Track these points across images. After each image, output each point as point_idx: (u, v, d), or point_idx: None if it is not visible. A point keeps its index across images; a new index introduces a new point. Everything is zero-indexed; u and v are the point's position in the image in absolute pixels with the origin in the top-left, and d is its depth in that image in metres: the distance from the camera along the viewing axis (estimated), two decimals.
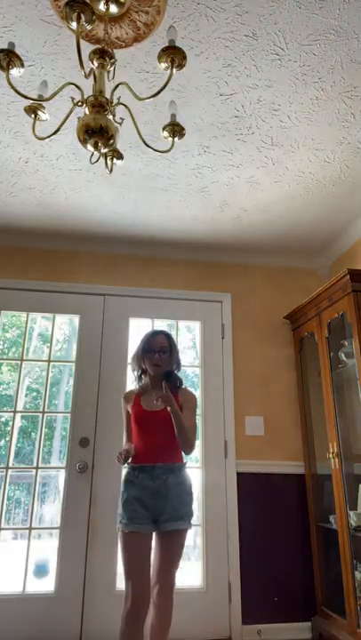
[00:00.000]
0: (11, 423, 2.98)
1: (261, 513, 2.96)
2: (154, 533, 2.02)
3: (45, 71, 1.90)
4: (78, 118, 1.47)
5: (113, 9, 1.54)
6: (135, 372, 2.29)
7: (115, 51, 1.73)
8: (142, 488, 2.00)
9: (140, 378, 2.26)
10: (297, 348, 3.32)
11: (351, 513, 2.48)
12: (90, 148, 1.45)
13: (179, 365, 2.27)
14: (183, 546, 2.05)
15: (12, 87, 1.39)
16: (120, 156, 1.74)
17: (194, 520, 2.95)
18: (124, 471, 2.12)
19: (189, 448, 2.11)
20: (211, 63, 1.86)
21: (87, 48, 1.71)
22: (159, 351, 2.18)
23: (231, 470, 3.01)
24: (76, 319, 3.25)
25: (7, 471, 2.88)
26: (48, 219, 3.05)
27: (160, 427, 2.10)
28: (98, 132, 1.41)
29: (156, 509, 1.99)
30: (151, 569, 2.01)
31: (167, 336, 2.26)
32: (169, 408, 2.05)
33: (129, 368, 2.98)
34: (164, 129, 1.57)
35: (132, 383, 2.47)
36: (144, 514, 1.97)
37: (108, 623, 2.63)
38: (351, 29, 1.72)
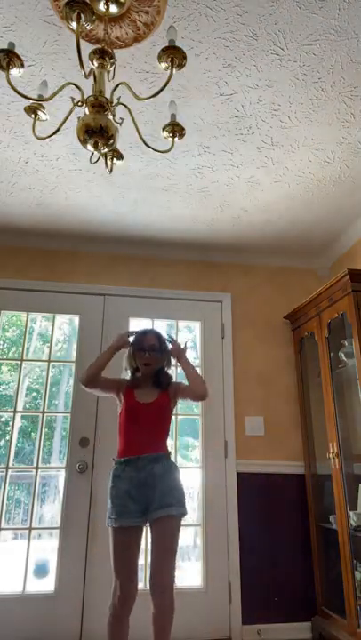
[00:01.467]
0: (11, 423, 2.98)
1: (261, 513, 2.96)
2: (146, 527, 2.05)
3: (45, 71, 1.90)
4: (78, 118, 1.47)
5: (113, 9, 1.54)
6: (128, 370, 2.33)
7: (115, 51, 1.73)
8: (129, 480, 2.02)
9: (133, 375, 2.29)
10: (297, 347, 3.32)
11: (351, 513, 2.48)
12: (90, 147, 1.45)
13: (169, 363, 2.32)
14: (176, 535, 2.01)
15: (12, 87, 1.39)
16: (120, 156, 1.74)
17: (193, 520, 2.98)
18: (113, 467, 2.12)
19: (204, 388, 2.19)
20: (211, 63, 1.86)
21: (87, 48, 1.71)
22: (149, 350, 2.22)
23: (231, 470, 3.01)
24: (76, 319, 3.25)
25: (7, 471, 2.88)
26: (48, 219, 3.05)
27: (150, 418, 2.16)
28: (98, 132, 1.41)
29: (145, 500, 2.01)
30: (149, 565, 2.03)
31: (157, 335, 2.31)
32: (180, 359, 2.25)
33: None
34: (164, 129, 1.57)
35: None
36: (133, 507, 1.98)
37: None
38: (351, 29, 1.72)
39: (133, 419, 2.15)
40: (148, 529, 2.05)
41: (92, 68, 1.53)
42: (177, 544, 2.02)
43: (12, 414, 3.00)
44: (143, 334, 2.29)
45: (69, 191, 2.74)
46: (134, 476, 2.02)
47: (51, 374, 3.13)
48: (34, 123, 1.59)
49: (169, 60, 1.37)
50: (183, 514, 2.03)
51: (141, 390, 2.22)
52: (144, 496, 2.00)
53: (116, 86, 1.54)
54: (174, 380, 2.37)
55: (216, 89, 1.98)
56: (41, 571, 2.97)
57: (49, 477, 3.30)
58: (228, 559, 2.86)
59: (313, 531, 2.90)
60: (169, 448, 2.20)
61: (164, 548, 1.98)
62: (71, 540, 2.75)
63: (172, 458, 2.21)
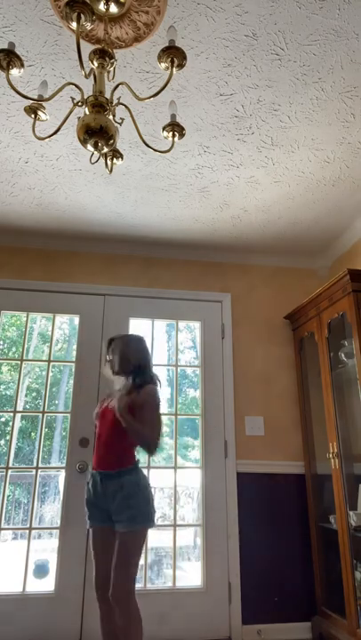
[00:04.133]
0: (11, 423, 2.98)
1: (261, 513, 2.96)
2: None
3: (45, 71, 1.90)
4: (78, 118, 1.47)
5: (113, 9, 1.54)
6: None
7: (115, 51, 1.74)
8: None
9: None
10: (297, 348, 3.32)
11: (351, 513, 2.48)
12: (90, 148, 1.45)
13: None
14: (128, 549, 1.96)
15: (12, 87, 1.39)
16: (120, 156, 1.74)
17: (193, 520, 2.98)
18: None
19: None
20: (211, 63, 1.86)
21: (87, 48, 1.71)
22: None
23: (231, 470, 3.01)
24: (76, 319, 3.25)
25: (7, 471, 2.88)
26: (48, 219, 3.05)
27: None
28: (98, 132, 1.41)
29: None
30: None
31: None
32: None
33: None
34: (164, 129, 1.57)
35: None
36: None
37: None
38: (351, 29, 1.71)
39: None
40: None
41: (92, 69, 1.53)
42: (125, 558, 1.98)
43: (11, 414, 3.00)
44: None
45: (69, 191, 2.74)
46: None
47: (51, 374, 3.13)
48: (34, 123, 1.59)
49: (169, 60, 1.37)
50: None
51: None
52: None
53: (116, 86, 1.54)
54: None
55: (216, 89, 1.98)
56: (41, 571, 2.97)
57: (49, 477, 3.30)
58: (228, 559, 2.86)
59: (313, 531, 2.90)
60: None
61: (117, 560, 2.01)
62: (71, 540, 2.75)
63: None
